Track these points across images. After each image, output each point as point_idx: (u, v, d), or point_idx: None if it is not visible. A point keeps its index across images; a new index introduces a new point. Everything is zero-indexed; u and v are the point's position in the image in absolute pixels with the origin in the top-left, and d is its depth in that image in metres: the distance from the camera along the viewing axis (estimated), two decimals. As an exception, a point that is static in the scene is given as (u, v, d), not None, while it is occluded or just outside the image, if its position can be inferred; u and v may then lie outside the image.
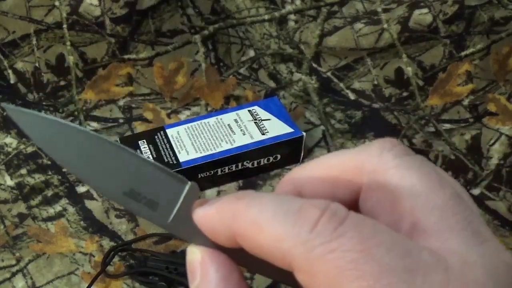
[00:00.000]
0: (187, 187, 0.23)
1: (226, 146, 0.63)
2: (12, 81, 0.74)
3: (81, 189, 0.66)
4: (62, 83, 0.75)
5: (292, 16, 0.76)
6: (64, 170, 0.67)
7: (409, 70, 0.75)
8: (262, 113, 0.66)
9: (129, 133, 0.71)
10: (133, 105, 0.74)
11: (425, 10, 0.72)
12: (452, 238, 0.19)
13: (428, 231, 0.19)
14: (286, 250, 0.19)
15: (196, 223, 0.23)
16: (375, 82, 0.75)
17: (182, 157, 0.62)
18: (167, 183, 0.23)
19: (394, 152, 0.21)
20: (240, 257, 0.23)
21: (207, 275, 0.22)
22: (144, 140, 0.64)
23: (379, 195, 0.21)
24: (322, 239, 0.18)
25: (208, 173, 0.63)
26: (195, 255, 0.23)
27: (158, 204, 0.23)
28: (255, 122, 0.65)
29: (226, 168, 0.63)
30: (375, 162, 0.21)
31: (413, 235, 0.20)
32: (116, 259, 0.59)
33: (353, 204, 0.22)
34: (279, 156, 0.65)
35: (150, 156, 0.62)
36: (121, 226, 0.62)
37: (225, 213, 0.21)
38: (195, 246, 0.23)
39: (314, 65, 0.77)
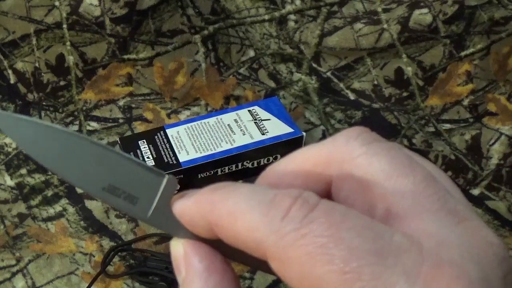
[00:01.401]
0: (165, 181, 0.23)
1: (226, 146, 0.63)
2: (12, 81, 0.74)
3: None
4: (62, 83, 0.75)
5: (292, 16, 0.76)
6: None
7: (409, 70, 0.75)
8: (262, 113, 0.66)
9: (129, 133, 0.71)
10: (133, 105, 0.74)
11: (425, 10, 0.72)
12: (427, 220, 0.19)
13: (402, 215, 0.19)
14: (259, 239, 0.19)
15: (176, 215, 0.23)
16: (375, 82, 0.76)
17: (182, 157, 0.62)
18: (145, 177, 0.23)
19: (361, 139, 0.21)
20: (221, 248, 0.23)
21: (191, 267, 0.22)
22: (144, 140, 0.64)
23: (350, 184, 0.21)
24: (293, 226, 0.18)
25: (208, 173, 0.63)
26: (178, 248, 0.23)
27: (137, 198, 0.23)
28: (255, 122, 0.65)
29: (226, 168, 0.63)
30: (342, 151, 0.21)
31: (388, 221, 0.19)
32: (116, 259, 0.59)
33: (327, 196, 0.22)
34: (279, 156, 0.65)
35: (150, 156, 0.62)
36: (121, 226, 0.62)
37: (202, 204, 0.22)
38: (177, 239, 0.23)
39: (314, 65, 0.77)
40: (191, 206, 0.22)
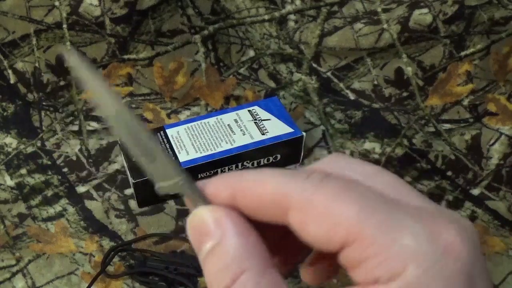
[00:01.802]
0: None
1: (226, 146, 0.63)
2: (12, 81, 0.74)
3: (81, 189, 0.66)
4: (62, 83, 0.75)
5: (292, 16, 0.76)
6: (64, 170, 0.68)
7: (409, 70, 0.75)
8: (262, 113, 0.66)
9: (129, 133, 0.71)
10: (133, 105, 0.74)
11: (425, 10, 0.72)
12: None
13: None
14: (285, 194, 0.22)
15: (200, 184, 0.25)
16: (375, 82, 0.76)
17: (182, 157, 0.62)
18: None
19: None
20: None
21: (228, 229, 0.23)
22: (144, 140, 0.64)
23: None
24: (315, 181, 0.22)
25: (208, 173, 0.63)
26: (205, 216, 0.24)
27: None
28: (255, 122, 0.65)
29: (226, 168, 0.63)
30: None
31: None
32: (116, 259, 0.59)
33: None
34: (279, 156, 0.65)
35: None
36: (121, 226, 0.62)
37: (230, 177, 0.24)
38: (203, 207, 0.24)
39: (314, 65, 0.77)
40: (218, 178, 0.25)
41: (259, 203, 0.23)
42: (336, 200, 0.21)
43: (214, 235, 0.24)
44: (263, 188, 0.23)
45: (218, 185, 0.25)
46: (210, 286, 0.24)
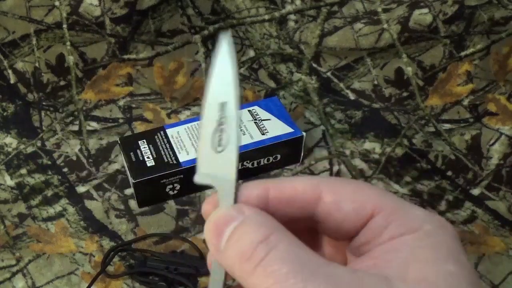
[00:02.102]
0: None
1: (226, 146, 0.63)
2: (12, 81, 0.74)
3: (81, 189, 0.66)
4: (62, 83, 0.75)
5: (292, 16, 0.76)
6: (64, 170, 0.67)
7: (409, 70, 0.75)
8: (262, 113, 0.66)
9: (129, 133, 0.71)
10: (133, 105, 0.74)
11: (425, 10, 0.72)
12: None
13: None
14: (317, 183, 0.26)
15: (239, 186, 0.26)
16: (375, 82, 0.75)
17: (182, 157, 0.62)
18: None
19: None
20: None
21: (250, 212, 0.25)
22: (144, 140, 0.64)
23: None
24: (340, 179, 0.27)
25: None
26: (227, 209, 0.25)
27: None
28: (255, 122, 0.65)
29: (226, 168, 0.63)
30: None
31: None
32: (116, 259, 0.59)
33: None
34: (279, 156, 0.65)
35: (150, 156, 0.62)
36: (121, 226, 0.62)
37: (268, 182, 0.26)
38: (227, 206, 0.25)
39: (314, 65, 0.77)
40: (252, 182, 0.26)
41: (292, 193, 0.26)
42: (360, 188, 0.26)
43: (235, 219, 0.24)
44: (297, 181, 0.26)
45: (251, 186, 0.26)
46: (233, 265, 0.24)
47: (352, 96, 0.75)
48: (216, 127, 0.26)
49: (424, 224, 0.24)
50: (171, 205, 0.64)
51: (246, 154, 0.63)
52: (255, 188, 0.26)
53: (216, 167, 0.26)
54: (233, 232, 0.24)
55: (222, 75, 0.26)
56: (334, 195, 0.26)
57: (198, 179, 0.27)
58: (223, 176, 0.26)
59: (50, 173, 0.67)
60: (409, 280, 0.22)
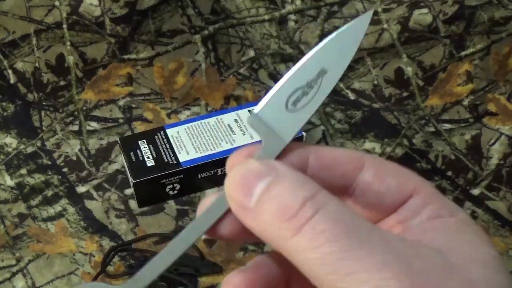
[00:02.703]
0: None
1: (226, 146, 0.63)
2: (12, 81, 0.74)
3: (81, 189, 0.66)
4: (62, 83, 0.75)
5: (292, 16, 0.76)
6: (64, 170, 0.67)
7: (409, 70, 0.75)
8: (262, 113, 0.66)
9: (129, 133, 0.71)
10: (133, 105, 0.74)
11: (425, 10, 0.72)
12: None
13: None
14: (361, 155, 0.25)
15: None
16: (375, 82, 0.75)
17: (182, 157, 0.62)
18: None
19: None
20: None
21: (282, 170, 0.22)
22: (144, 140, 0.64)
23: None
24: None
25: (208, 173, 0.63)
26: (256, 163, 0.23)
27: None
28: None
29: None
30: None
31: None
32: (116, 259, 0.59)
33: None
34: (279, 156, 0.65)
35: (150, 156, 0.62)
36: (121, 226, 0.62)
37: (304, 147, 0.25)
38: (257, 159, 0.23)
39: (314, 65, 0.76)
40: (296, 145, 0.25)
41: (334, 160, 0.25)
42: (401, 168, 0.25)
43: (269, 174, 0.22)
44: (339, 150, 0.25)
45: (290, 148, 0.24)
46: (269, 224, 0.21)
47: (352, 96, 0.75)
48: (303, 86, 0.24)
49: (459, 212, 0.24)
50: (171, 205, 0.64)
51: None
52: (294, 150, 0.24)
53: (277, 120, 0.24)
54: (268, 187, 0.21)
55: (345, 46, 0.24)
56: (377, 168, 0.25)
57: (252, 121, 0.24)
58: (280, 133, 0.24)
59: (50, 173, 0.67)
60: (459, 256, 0.21)
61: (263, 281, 0.25)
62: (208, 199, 0.24)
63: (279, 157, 0.24)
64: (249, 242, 0.25)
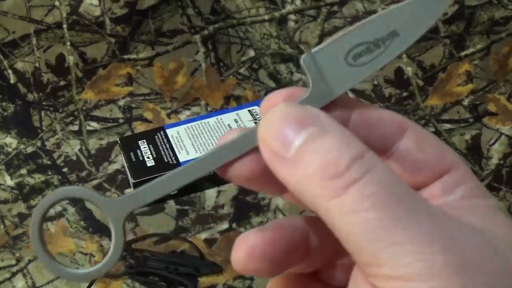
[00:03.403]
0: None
1: (226, 146, 0.63)
2: (12, 81, 0.74)
3: (81, 189, 0.66)
4: (62, 83, 0.75)
5: (292, 16, 0.76)
6: (64, 170, 0.67)
7: (409, 70, 0.75)
8: (262, 113, 0.66)
9: (129, 133, 0.71)
10: (133, 105, 0.74)
11: (425, 10, 0.72)
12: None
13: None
14: (405, 120, 0.24)
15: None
16: (375, 82, 0.75)
17: (182, 157, 0.62)
18: None
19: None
20: None
21: (330, 122, 0.20)
22: (144, 140, 0.64)
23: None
24: None
25: (208, 173, 0.63)
26: (299, 107, 0.21)
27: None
28: (255, 122, 0.65)
29: (226, 168, 0.63)
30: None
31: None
32: (116, 259, 0.59)
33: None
34: (279, 156, 0.65)
35: (150, 156, 0.62)
36: (121, 226, 0.62)
37: (348, 102, 0.23)
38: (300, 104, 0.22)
39: (314, 65, 0.76)
40: (341, 98, 0.23)
41: (377, 120, 0.23)
42: (442, 142, 0.24)
43: (314, 123, 0.20)
44: (383, 110, 0.23)
45: (334, 103, 0.22)
46: (309, 179, 0.19)
47: (352, 96, 0.75)
48: (369, 42, 0.22)
49: (491, 197, 0.23)
50: (171, 205, 0.64)
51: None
52: (338, 102, 0.22)
53: (332, 69, 0.22)
54: (311, 138, 0.19)
55: (425, 13, 0.23)
56: (419, 136, 0.23)
57: (306, 60, 0.22)
58: (330, 83, 0.22)
59: (50, 173, 0.67)
60: (498, 238, 0.20)
61: (283, 245, 0.22)
62: (233, 132, 0.22)
63: (324, 108, 0.22)
64: (264, 191, 0.22)
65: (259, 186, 0.23)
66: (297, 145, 0.19)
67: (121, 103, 0.74)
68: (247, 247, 0.22)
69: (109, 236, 0.62)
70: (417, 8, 0.23)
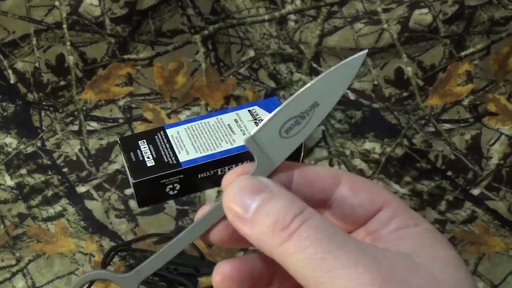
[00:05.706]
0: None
1: (226, 146, 0.63)
2: (12, 81, 0.74)
3: (81, 189, 0.66)
4: (62, 83, 0.75)
5: (292, 16, 0.76)
6: (64, 170, 0.68)
7: (409, 70, 0.75)
8: (262, 113, 0.66)
9: (129, 133, 0.71)
10: (133, 105, 0.74)
11: (425, 10, 0.72)
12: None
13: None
14: (339, 173, 0.29)
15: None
16: (375, 82, 0.76)
17: (182, 157, 0.62)
18: None
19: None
20: None
21: (276, 189, 0.26)
22: (144, 140, 0.64)
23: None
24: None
25: (208, 173, 0.63)
26: (251, 179, 0.27)
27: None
28: (255, 122, 0.65)
29: (226, 168, 0.63)
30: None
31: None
32: (116, 259, 0.59)
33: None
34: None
35: (150, 156, 0.62)
36: (121, 226, 0.62)
37: (289, 166, 0.29)
38: (250, 176, 0.27)
39: (314, 65, 0.77)
40: (284, 164, 0.29)
41: (315, 176, 0.28)
42: (373, 183, 0.29)
43: (264, 191, 0.26)
44: (320, 167, 0.29)
45: (281, 164, 0.28)
46: (263, 233, 0.25)
47: (352, 96, 0.75)
48: (296, 116, 0.27)
49: (423, 222, 0.28)
50: (171, 205, 0.64)
51: (246, 154, 0.63)
52: (282, 168, 0.28)
53: (270, 145, 0.27)
54: (264, 202, 0.25)
55: (337, 82, 0.27)
56: (352, 184, 0.28)
57: (248, 143, 0.28)
58: (272, 156, 0.27)
59: (50, 173, 0.67)
60: (423, 257, 0.25)
61: (249, 274, 0.29)
62: (205, 208, 0.28)
63: (270, 175, 0.27)
64: (237, 247, 0.30)
65: (234, 244, 0.29)
66: (253, 208, 0.25)
67: (121, 103, 0.74)
68: (221, 273, 0.29)
69: (109, 236, 0.62)
70: (331, 79, 0.27)
